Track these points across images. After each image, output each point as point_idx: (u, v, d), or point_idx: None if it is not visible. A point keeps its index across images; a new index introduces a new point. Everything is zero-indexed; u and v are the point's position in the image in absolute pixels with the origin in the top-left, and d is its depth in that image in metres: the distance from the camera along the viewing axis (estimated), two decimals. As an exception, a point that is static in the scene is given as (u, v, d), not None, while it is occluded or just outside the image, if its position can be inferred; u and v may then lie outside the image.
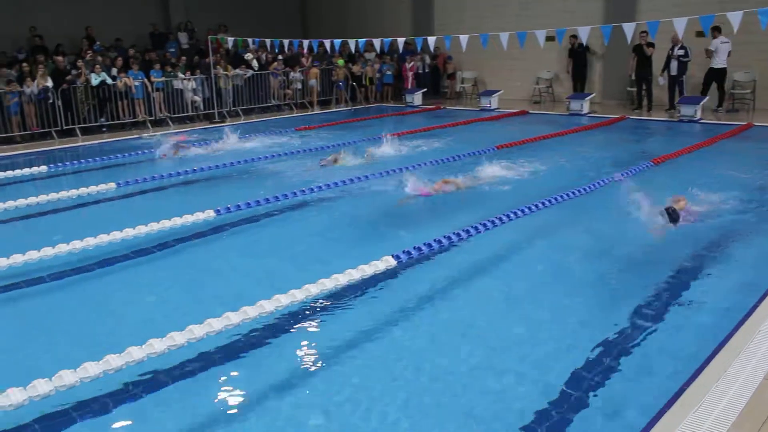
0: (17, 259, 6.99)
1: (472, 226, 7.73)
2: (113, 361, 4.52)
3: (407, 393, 4.48)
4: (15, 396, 4.15)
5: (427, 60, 23.72)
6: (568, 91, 20.57)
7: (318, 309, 5.94)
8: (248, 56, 21.25)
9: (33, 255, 7.07)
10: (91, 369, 4.43)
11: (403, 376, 4.76)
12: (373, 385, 4.60)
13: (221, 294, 6.32)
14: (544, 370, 4.67)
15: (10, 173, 11.95)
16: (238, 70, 20.57)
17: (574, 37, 19.14)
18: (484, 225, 7.89)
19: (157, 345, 4.76)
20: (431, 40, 16.94)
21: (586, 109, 18.60)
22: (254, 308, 5.32)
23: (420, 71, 23.50)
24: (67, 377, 4.37)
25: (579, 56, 20.33)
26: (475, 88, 23.38)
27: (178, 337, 4.87)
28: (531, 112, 19.39)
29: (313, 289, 5.84)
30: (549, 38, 16.01)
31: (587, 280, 6.41)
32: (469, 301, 6.09)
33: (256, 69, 21.05)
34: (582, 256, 7.10)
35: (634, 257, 6.97)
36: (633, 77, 19.16)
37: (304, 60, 22.26)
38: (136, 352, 4.65)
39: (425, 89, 22.79)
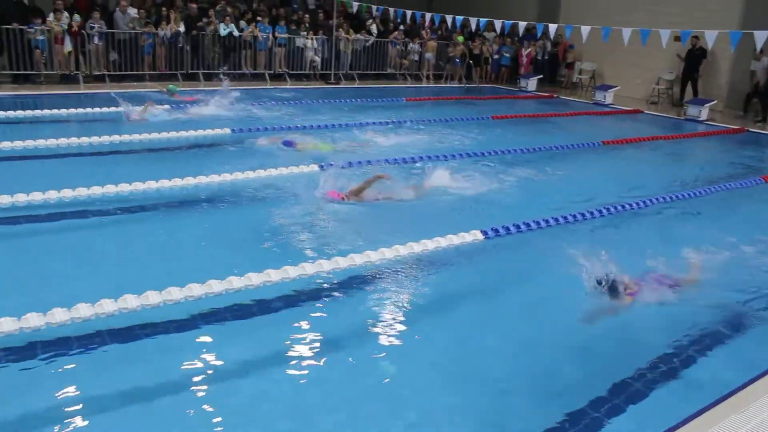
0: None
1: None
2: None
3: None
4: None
5: (548, 47, 23.43)
6: (688, 95, 19.90)
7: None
8: (369, 22, 21.66)
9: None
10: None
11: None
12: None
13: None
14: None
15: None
16: (359, 35, 21.02)
17: (696, 38, 18.47)
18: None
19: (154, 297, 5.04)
20: (552, 27, 16.80)
21: (704, 115, 17.97)
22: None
23: (538, 57, 23.26)
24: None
25: (695, 59, 19.54)
26: (593, 81, 22.95)
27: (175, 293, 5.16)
28: (646, 112, 18.93)
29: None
30: (676, 38, 15.57)
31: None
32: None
33: (375, 35, 21.44)
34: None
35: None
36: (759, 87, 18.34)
37: (424, 33, 22.47)
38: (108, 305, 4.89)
39: (541, 76, 22.58)
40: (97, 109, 12.54)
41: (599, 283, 5.40)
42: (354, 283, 5.86)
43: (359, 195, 8.04)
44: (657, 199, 9.15)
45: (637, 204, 8.84)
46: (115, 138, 10.61)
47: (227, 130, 11.72)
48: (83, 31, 16.46)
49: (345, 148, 11.13)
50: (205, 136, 11.35)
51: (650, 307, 5.57)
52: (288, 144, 10.82)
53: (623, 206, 8.64)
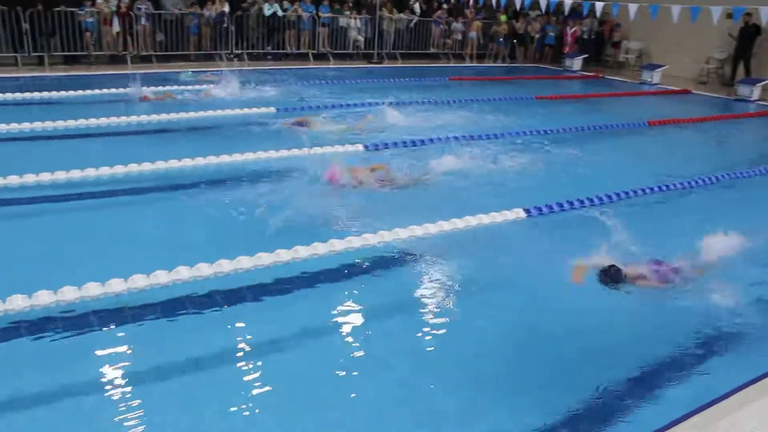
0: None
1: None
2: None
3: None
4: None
5: (594, 25, 23.04)
6: (740, 75, 19.40)
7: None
8: (413, 1, 21.57)
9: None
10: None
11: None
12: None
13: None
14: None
15: (182, 87, 13.21)
16: (402, 15, 20.97)
17: (749, 14, 17.95)
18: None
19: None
20: (598, 5, 16.54)
21: (756, 95, 17.52)
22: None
23: (584, 36, 22.89)
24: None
25: (747, 36, 18.98)
26: (640, 60, 22.53)
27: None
28: (694, 92, 18.53)
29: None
30: (728, 15, 15.19)
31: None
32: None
33: (418, 14, 21.36)
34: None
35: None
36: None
37: (468, 11, 22.30)
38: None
39: (587, 55, 22.23)
40: (145, 88, 12.76)
41: (604, 274, 5.42)
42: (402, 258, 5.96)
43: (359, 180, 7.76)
44: (701, 180, 9.02)
45: (681, 185, 8.73)
46: (160, 117, 10.86)
47: (258, 110, 11.85)
48: (131, 13, 16.76)
49: (359, 127, 10.96)
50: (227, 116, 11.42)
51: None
52: (300, 125, 10.73)
53: (667, 186, 8.54)
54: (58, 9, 15.71)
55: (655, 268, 5.62)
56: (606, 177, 9.06)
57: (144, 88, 12.41)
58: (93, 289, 4.84)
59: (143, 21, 16.98)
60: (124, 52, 16.85)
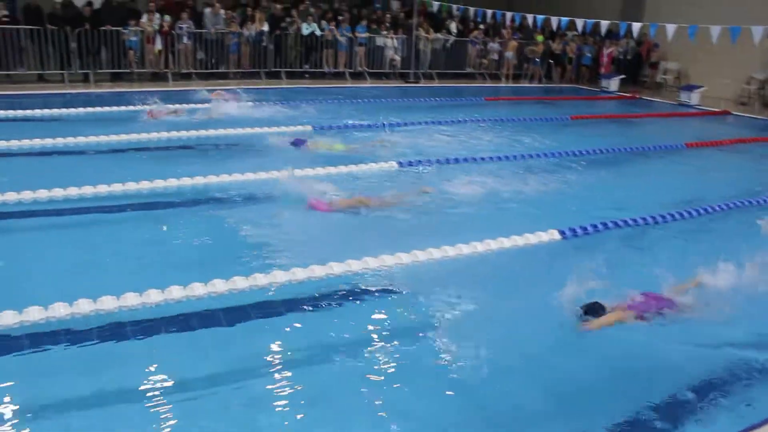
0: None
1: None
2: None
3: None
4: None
5: (632, 46, 22.90)
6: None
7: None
8: (449, 22, 21.72)
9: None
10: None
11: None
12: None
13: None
14: None
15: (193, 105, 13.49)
16: (438, 35, 21.11)
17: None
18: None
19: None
20: (636, 25, 16.47)
21: (797, 117, 17.25)
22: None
23: (621, 57, 22.78)
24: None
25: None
26: (678, 81, 22.32)
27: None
28: (734, 113, 18.29)
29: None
30: (768, 36, 14.98)
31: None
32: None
33: (454, 34, 21.48)
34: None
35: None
36: None
37: (504, 32, 22.35)
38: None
39: (623, 76, 22.11)
40: (185, 105, 12.99)
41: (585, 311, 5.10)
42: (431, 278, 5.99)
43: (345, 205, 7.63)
44: (740, 203, 8.90)
45: (720, 208, 8.62)
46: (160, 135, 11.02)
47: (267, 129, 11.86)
48: (173, 32, 17.16)
49: (361, 147, 10.79)
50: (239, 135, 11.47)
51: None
52: (298, 143, 10.55)
53: (705, 210, 8.44)
54: (104, 28, 16.17)
55: (643, 300, 5.29)
56: (641, 199, 8.98)
57: (152, 105, 12.44)
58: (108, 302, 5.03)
59: (185, 40, 17.35)
60: (165, 70, 17.23)
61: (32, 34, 15.61)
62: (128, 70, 16.86)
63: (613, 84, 21.57)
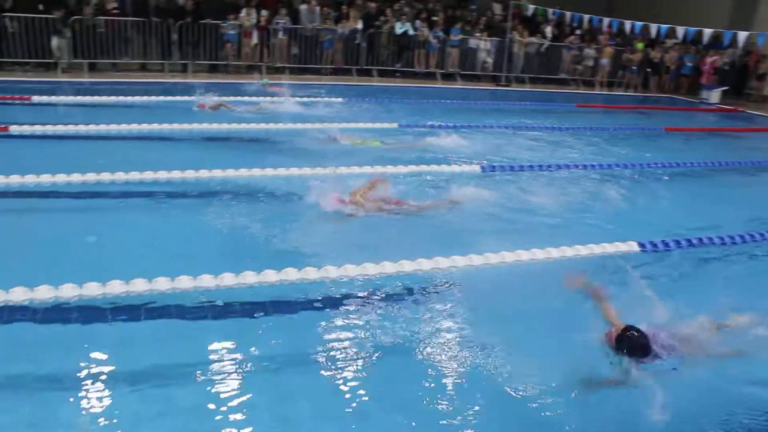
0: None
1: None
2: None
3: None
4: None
5: (737, 56, 21.89)
6: None
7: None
8: (544, 26, 21.39)
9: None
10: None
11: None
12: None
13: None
14: None
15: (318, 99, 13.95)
16: (533, 38, 20.82)
17: None
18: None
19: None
20: (742, 34, 15.75)
21: None
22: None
23: (725, 67, 21.80)
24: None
25: None
26: (786, 95, 21.21)
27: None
28: None
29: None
30: None
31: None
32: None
33: (549, 38, 21.13)
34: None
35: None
36: None
37: (601, 38, 21.80)
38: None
39: (726, 87, 21.15)
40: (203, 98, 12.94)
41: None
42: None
43: (366, 201, 7.15)
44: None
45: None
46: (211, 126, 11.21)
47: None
48: (269, 26, 17.62)
49: (399, 146, 10.70)
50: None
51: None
52: (332, 138, 10.50)
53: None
54: (204, 21, 16.79)
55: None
56: (733, 217, 8.59)
57: (202, 97, 12.63)
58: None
59: (281, 35, 17.80)
60: (260, 63, 17.71)
61: (138, 26, 16.37)
62: (225, 62, 17.42)
63: (714, 96, 20.67)
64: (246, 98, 13.37)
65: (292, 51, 18.28)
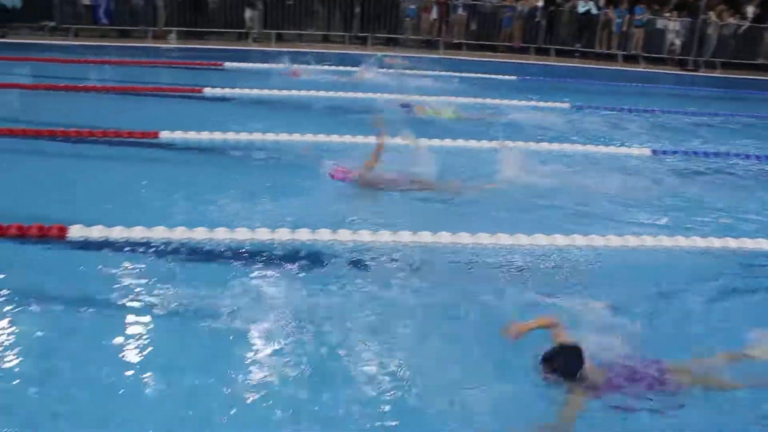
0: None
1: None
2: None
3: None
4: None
5: None
6: None
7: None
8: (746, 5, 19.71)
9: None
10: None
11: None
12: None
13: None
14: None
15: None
16: (731, 19, 19.25)
17: None
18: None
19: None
20: None
21: None
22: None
23: None
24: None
25: None
26: None
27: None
28: None
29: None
30: None
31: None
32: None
33: (750, 19, 19.42)
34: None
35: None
36: None
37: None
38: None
39: None
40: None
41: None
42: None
43: (370, 175, 6.83)
44: None
45: None
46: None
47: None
48: (449, 2, 17.75)
49: (471, 116, 10.38)
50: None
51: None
52: (405, 106, 10.31)
53: None
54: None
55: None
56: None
57: (297, 65, 13.05)
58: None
59: (460, 11, 17.88)
60: (437, 38, 17.92)
61: (323, -1, 17.25)
62: (403, 36, 17.83)
63: None
64: (343, 68, 13.60)
65: (471, 27, 18.30)
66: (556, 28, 18.50)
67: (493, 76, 14.27)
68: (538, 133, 9.73)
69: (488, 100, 11.58)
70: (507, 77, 14.30)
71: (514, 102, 11.67)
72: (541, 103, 11.74)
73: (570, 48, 18.70)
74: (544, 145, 9.11)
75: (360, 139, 8.40)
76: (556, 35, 18.57)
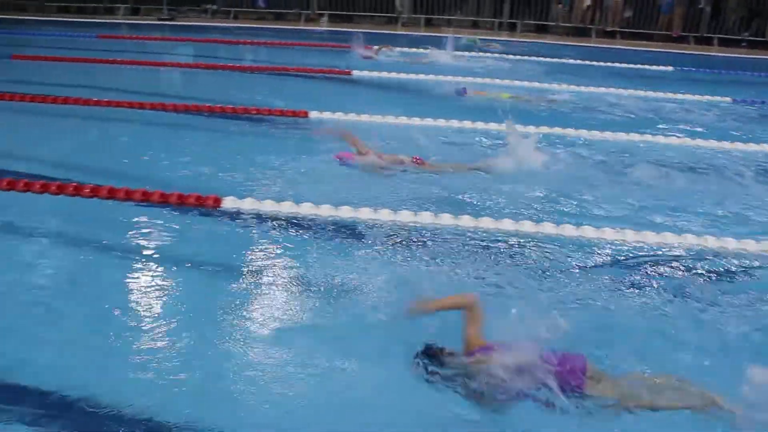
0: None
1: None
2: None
3: None
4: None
5: None
6: None
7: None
8: None
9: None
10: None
11: None
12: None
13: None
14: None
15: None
16: None
17: None
18: None
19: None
20: None
21: None
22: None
23: None
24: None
25: None
26: None
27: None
28: None
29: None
30: None
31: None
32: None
33: None
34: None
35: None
36: None
37: None
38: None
39: None
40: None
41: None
42: None
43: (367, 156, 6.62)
44: None
45: None
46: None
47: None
48: (605, -12, 17.07)
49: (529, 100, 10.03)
50: None
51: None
52: (461, 92, 10.11)
53: None
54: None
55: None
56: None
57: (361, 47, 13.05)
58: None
59: (617, -5, 17.16)
60: (590, 26, 17.28)
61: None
62: (554, 23, 17.35)
63: None
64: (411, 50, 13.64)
65: (626, 14, 17.48)
66: (722, 15, 17.25)
67: (648, 67, 13.50)
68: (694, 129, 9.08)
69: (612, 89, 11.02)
70: (662, 68, 13.47)
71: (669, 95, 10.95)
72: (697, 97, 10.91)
73: (736, 37, 17.40)
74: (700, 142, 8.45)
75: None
76: (722, 23, 17.33)
